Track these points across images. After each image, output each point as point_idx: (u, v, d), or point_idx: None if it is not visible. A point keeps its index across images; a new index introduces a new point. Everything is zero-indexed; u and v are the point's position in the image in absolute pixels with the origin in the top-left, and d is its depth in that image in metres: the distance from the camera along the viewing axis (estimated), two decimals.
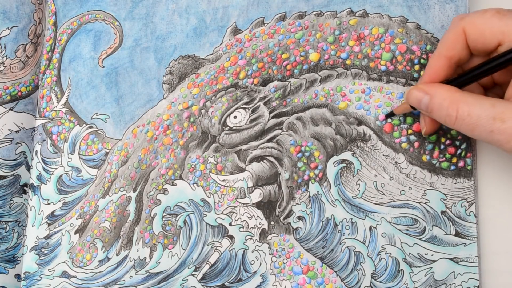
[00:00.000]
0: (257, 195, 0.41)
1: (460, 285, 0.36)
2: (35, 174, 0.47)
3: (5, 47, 0.48)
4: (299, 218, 0.40)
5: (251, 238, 0.41)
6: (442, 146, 0.37)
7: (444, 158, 0.37)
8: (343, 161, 0.39)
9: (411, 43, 0.39)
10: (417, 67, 0.38)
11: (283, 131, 0.41)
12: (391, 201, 0.38)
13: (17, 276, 0.46)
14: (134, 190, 0.44)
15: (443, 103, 0.31)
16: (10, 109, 0.48)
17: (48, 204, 0.46)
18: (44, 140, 0.47)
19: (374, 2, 0.40)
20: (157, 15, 0.46)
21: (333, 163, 0.39)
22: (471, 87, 0.34)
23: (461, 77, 0.32)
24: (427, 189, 0.37)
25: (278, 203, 0.40)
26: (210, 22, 0.44)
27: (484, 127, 0.29)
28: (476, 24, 0.31)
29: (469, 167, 0.37)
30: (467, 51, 0.33)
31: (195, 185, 0.42)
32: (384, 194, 0.38)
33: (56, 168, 0.46)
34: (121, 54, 0.46)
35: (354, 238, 0.38)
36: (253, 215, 0.41)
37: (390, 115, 0.38)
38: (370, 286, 0.38)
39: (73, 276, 0.44)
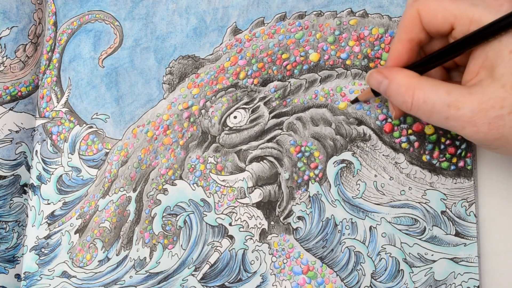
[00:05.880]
0: (257, 195, 0.41)
1: (460, 285, 0.36)
2: (35, 174, 0.47)
3: (5, 47, 0.48)
4: (299, 218, 0.40)
5: (251, 238, 0.41)
6: (442, 146, 0.37)
7: (444, 158, 0.37)
8: (343, 161, 0.39)
9: None
10: None
11: (283, 131, 0.41)
12: (391, 201, 0.38)
13: (17, 276, 0.46)
14: (134, 190, 0.44)
15: (399, 89, 0.31)
16: (10, 109, 0.48)
17: (48, 204, 0.46)
18: (44, 140, 0.47)
19: (374, 3, 0.40)
20: (157, 15, 0.46)
21: (333, 163, 0.39)
22: (434, 70, 0.34)
23: (420, 63, 0.32)
24: (427, 189, 0.37)
25: (278, 203, 0.40)
26: (210, 22, 0.44)
27: (439, 114, 0.29)
28: (429, 7, 0.31)
29: (469, 167, 0.37)
30: (425, 33, 0.32)
31: (195, 185, 0.42)
32: (384, 194, 0.38)
33: (56, 168, 0.46)
34: (121, 54, 0.46)
35: (354, 238, 0.38)
36: (253, 215, 0.41)
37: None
38: (370, 286, 0.38)
39: (73, 276, 0.44)
